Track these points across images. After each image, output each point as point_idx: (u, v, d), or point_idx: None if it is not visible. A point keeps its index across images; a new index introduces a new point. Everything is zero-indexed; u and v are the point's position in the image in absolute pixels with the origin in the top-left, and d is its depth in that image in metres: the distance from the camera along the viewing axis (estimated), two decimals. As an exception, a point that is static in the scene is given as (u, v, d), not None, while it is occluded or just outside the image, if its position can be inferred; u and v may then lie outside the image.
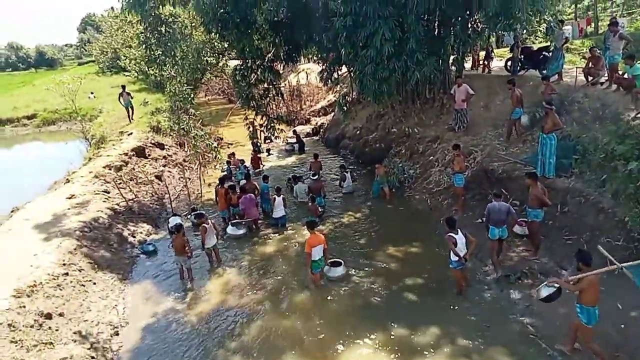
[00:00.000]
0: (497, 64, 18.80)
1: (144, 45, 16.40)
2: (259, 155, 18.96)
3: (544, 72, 14.18)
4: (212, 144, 16.17)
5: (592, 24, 26.77)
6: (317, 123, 24.14)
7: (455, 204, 11.85)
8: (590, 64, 12.32)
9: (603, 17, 29.68)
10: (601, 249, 6.98)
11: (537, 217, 9.10)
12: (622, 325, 7.14)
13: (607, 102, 11.25)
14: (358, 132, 18.78)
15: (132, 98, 21.18)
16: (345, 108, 16.25)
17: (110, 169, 15.20)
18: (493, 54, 17.87)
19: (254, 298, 9.34)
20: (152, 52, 16.32)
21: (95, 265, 10.41)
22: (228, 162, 17.49)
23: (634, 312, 7.34)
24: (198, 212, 11.70)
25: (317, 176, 14.10)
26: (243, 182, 14.16)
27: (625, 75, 11.17)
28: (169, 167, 17.65)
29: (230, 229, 12.47)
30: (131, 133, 19.28)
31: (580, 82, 12.63)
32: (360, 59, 12.88)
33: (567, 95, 12.04)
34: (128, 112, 21.19)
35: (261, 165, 18.33)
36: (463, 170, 11.43)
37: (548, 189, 9.64)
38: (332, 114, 23.08)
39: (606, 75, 12.07)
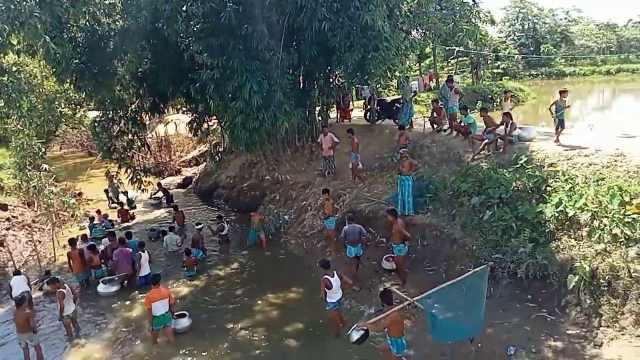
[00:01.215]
0: (357, 114, 20.54)
1: None
2: (126, 208, 17.93)
3: (397, 121, 15.86)
4: (69, 200, 14.63)
5: (434, 80, 30.88)
6: (188, 173, 23.42)
7: (329, 246, 12.25)
8: (434, 114, 14.13)
9: (442, 74, 34.47)
10: (394, 289, 7.81)
11: (401, 252, 9.82)
12: (479, 345, 7.87)
13: (450, 147, 12.91)
14: (231, 181, 18.65)
15: None
16: (217, 158, 16.13)
17: None
18: (352, 104, 19.59)
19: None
20: None
21: None
22: (92, 219, 16.08)
23: (488, 329, 8.15)
24: (52, 277, 10.31)
25: (200, 225, 13.74)
26: (105, 240, 13.09)
27: (462, 123, 12.99)
28: (14, 230, 15.43)
29: (101, 287, 11.34)
30: (-35, 194, 16.63)
31: (427, 129, 14.33)
32: (230, 110, 13.02)
33: (418, 141, 13.55)
34: None
35: (129, 219, 17.26)
36: (333, 213, 11.93)
37: (409, 225, 10.56)
38: (204, 164, 22.65)
39: (447, 123, 13.90)
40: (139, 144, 17.90)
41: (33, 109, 15.05)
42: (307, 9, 11.86)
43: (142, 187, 18.10)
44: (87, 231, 15.13)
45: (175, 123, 27.11)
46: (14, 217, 16.26)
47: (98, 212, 16.86)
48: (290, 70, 14.13)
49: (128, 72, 15.49)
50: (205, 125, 18.50)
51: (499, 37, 38.76)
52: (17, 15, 9.07)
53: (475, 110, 17.10)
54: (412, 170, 11.18)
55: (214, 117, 17.59)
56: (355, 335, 7.01)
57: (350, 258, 10.42)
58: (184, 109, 19.57)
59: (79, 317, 10.05)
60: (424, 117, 15.47)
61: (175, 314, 9.35)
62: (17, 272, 10.92)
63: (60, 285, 9.48)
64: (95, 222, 16.02)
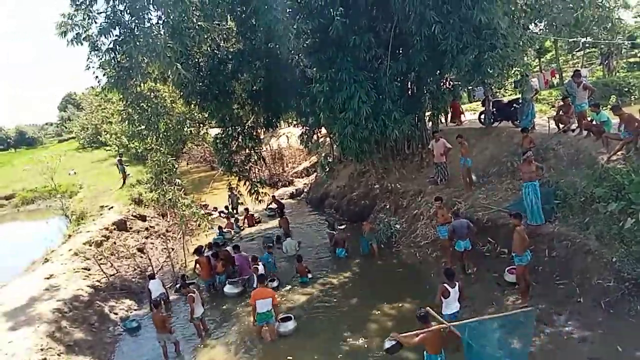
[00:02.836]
0: (470, 117, 19.60)
1: (126, 122, 16.64)
2: (251, 213, 19.62)
3: (516, 123, 14.76)
4: (199, 211, 16.05)
5: (557, 76, 28.32)
6: (300, 184, 24.30)
7: (444, 256, 11.76)
8: (561, 111, 12.87)
9: (566, 69, 31.50)
10: (430, 310, 7.45)
11: (522, 262, 9.05)
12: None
13: (580, 148, 11.66)
14: (341, 190, 18.90)
15: (127, 165, 23.90)
16: (327, 168, 16.45)
17: (90, 245, 14.84)
18: (461, 108, 18.78)
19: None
20: (135, 127, 16.51)
21: (76, 348, 9.88)
22: (220, 228, 17.63)
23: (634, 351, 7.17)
24: (184, 282, 11.31)
25: (343, 226, 14.42)
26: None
27: (594, 122, 11.67)
28: (152, 239, 17.33)
29: (227, 288, 12.42)
30: (112, 207, 19.06)
31: (552, 130, 13.11)
32: (340, 121, 13.21)
33: (542, 143, 12.44)
34: (123, 176, 23.36)
35: (255, 224, 19.20)
36: (447, 222, 11.44)
37: (534, 234, 9.73)
38: (315, 174, 23.31)
39: (576, 122, 12.59)
40: (255, 157, 18.95)
41: (167, 130, 16.74)
42: (415, 15, 11.60)
43: (259, 198, 19.12)
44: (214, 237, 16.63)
45: (287, 136, 28.33)
46: (151, 227, 18.26)
47: (227, 217, 18.66)
48: (399, 78, 13.96)
49: (244, 91, 16.60)
50: (315, 137, 19.05)
51: (635, 22, 34.22)
52: (154, 48, 10.23)
53: (608, 107, 15.32)
54: (537, 175, 10.29)
55: (324, 129, 18.03)
56: (387, 344, 7.32)
57: (459, 252, 10.80)
58: (295, 122, 20.32)
59: (207, 318, 10.88)
60: (548, 118, 14.16)
61: (280, 317, 9.95)
62: (152, 276, 12.19)
63: (190, 290, 10.37)
64: (224, 229, 17.52)
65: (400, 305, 10.43)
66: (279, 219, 17.52)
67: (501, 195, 12.14)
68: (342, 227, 14.38)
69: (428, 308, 7.48)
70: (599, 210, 9.48)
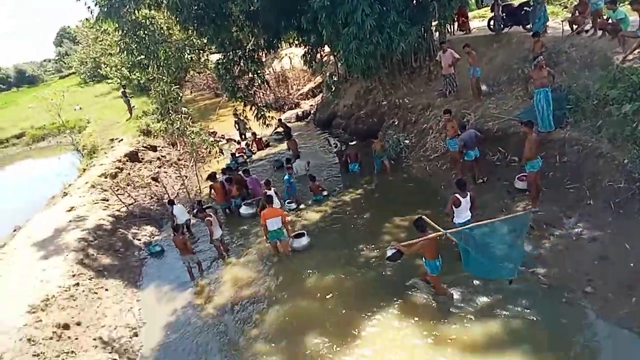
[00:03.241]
0: (479, 24, 18.73)
1: (125, 52, 16.20)
2: (259, 137, 19.82)
3: (528, 27, 14.11)
4: (209, 139, 16.14)
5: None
6: (306, 106, 24.01)
7: (454, 168, 11.85)
8: (577, 12, 12.22)
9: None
10: (425, 218, 7.67)
11: (534, 168, 9.11)
12: (632, 265, 7.21)
13: (594, 49, 11.22)
14: (349, 109, 18.67)
15: (131, 97, 24.11)
16: (333, 88, 16.13)
17: (105, 177, 15.16)
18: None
19: (266, 285, 9.39)
20: (134, 57, 16.07)
21: (105, 272, 10.45)
22: (233, 155, 17.95)
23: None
24: (200, 207, 11.65)
25: (354, 142, 14.51)
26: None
27: (610, 20, 11.11)
28: (164, 168, 17.59)
29: (243, 209, 12.84)
30: (122, 139, 19.18)
31: (566, 32, 12.54)
32: (343, 37, 12.69)
33: (554, 47, 11.98)
34: (129, 108, 23.56)
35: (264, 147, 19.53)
36: (456, 134, 11.37)
37: (545, 141, 9.69)
38: (321, 95, 22.94)
39: (590, 22, 11.99)
40: (259, 81, 18.58)
41: (168, 58, 16.33)
42: None
43: (266, 122, 19.03)
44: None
45: (289, 57, 27.52)
46: (162, 156, 18.47)
47: (238, 142, 19.14)
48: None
49: (242, 12, 15.87)
50: (318, 56, 18.49)
51: None
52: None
53: (626, 3, 14.47)
54: (549, 80, 10.01)
55: (327, 47, 17.43)
56: (389, 253, 7.84)
57: (470, 161, 10.95)
58: (296, 42, 19.62)
59: (226, 239, 11.37)
60: (561, 20, 13.46)
61: (293, 233, 10.44)
62: (171, 202, 12.56)
63: (207, 214, 10.72)
64: (236, 155, 17.83)
65: (412, 217, 10.60)
66: (286, 141, 17.53)
67: (512, 104, 11.94)
68: (353, 143, 14.36)
69: (424, 216, 7.75)
70: (612, 113, 9.32)
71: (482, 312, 7.28)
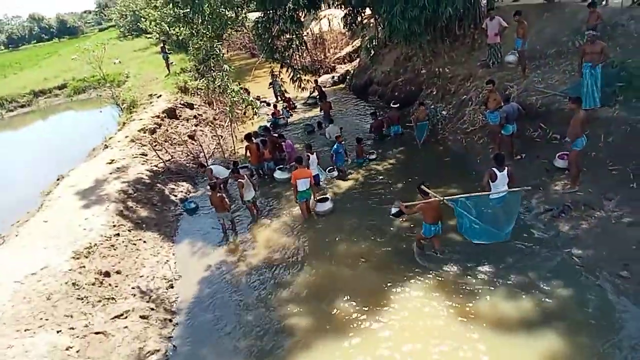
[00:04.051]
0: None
1: (170, 4, 16.14)
2: (288, 96, 20.20)
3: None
4: (249, 98, 16.23)
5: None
6: (342, 70, 23.66)
7: (492, 143, 11.59)
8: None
9: None
10: (425, 184, 8.20)
11: (577, 146, 8.82)
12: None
13: (656, 22, 10.56)
14: (386, 76, 18.29)
15: (170, 53, 24.19)
16: (372, 52, 15.79)
17: (144, 132, 15.52)
18: None
19: (296, 248, 9.61)
20: (180, 10, 15.96)
21: (143, 225, 10.89)
22: (273, 114, 18.26)
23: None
24: (233, 168, 11.86)
25: (397, 105, 14.48)
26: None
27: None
28: (201, 127, 17.86)
29: (278, 174, 12.95)
30: (160, 95, 19.47)
31: (626, 3, 11.76)
32: (387, -1, 12.35)
33: (611, 19, 11.31)
34: (167, 64, 23.85)
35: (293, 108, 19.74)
36: (498, 107, 11.03)
37: (590, 119, 9.31)
38: (358, 60, 22.51)
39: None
40: (297, 42, 18.34)
41: (212, 12, 16.20)
42: None
43: (302, 85, 18.90)
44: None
45: (328, 19, 26.92)
46: (199, 114, 18.72)
47: (274, 105, 19.21)
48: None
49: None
50: (359, 19, 18.04)
51: None
52: None
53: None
54: (603, 56, 9.51)
55: (368, 9, 16.96)
56: (393, 210, 8.70)
57: (507, 136, 10.70)
58: (337, 3, 19.13)
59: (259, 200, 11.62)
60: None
61: (317, 197, 10.73)
62: (201, 165, 12.86)
63: (240, 175, 10.93)
64: (277, 117, 18.09)
65: (445, 190, 10.55)
66: (320, 103, 17.43)
67: (558, 78, 11.44)
68: (396, 105, 14.35)
69: (425, 183, 8.23)
70: (667, 93, 8.88)
71: (514, 289, 7.29)
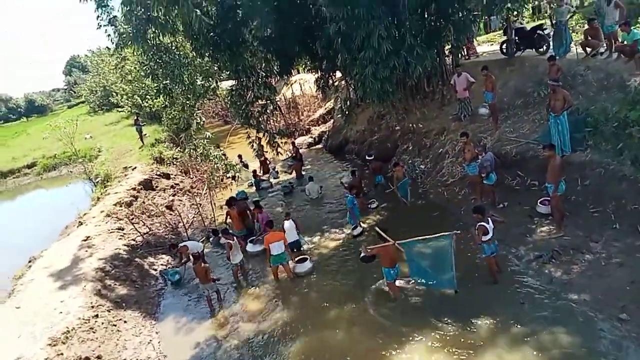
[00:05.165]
0: (488, 48, 18.92)
1: (149, 77, 16.38)
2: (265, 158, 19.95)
3: (541, 50, 14.20)
4: (230, 162, 16.26)
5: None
6: (317, 132, 24.12)
7: (473, 193, 11.73)
8: (589, 36, 12.25)
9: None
10: (377, 229, 8.96)
11: (558, 191, 9.00)
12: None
13: (610, 72, 11.23)
14: (361, 134, 18.70)
15: (143, 125, 24.13)
16: (346, 112, 16.20)
17: (120, 206, 15.13)
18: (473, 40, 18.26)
19: (287, 313, 9.25)
20: (159, 82, 16.13)
21: (123, 304, 10.31)
22: (254, 175, 18.22)
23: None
24: (224, 228, 11.58)
25: (372, 156, 14.73)
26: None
27: (625, 43, 11.15)
28: (178, 196, 17.59)
29: (249, 247, 12.38)
30: (135, 167, 19.25)
31: (580, 55, 12.56)
32: (359, 61, 12.79)
33: (569, 70, 12.00)
34: (140, 136, 23.68)
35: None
36: (475, 158, 11.28)
37: (565, 164, 9.59)
38: (332, 121, 23.04)
39: (605, 45, 12.03)
40: (272, 107, 18.70)
41: (193, 82, 16.49)
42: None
43: (279, 149, 19.07)
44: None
45: (300, 83, 27.80)
46: (176, 184, 18.50)
47: (254, 172, 18.86)
48: (419, 10, 13.36)
49: (256, 38, 16.10)
50: (330, 82, 18.65)
51: None
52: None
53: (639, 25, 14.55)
54: (566, 105, 9.98)
55: (339, 72, 17.57)
56: (362, 254, 9.06)
57: (490, 186, 10.80)
58: (308, 68, 19.82)
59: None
60: (574, 43, 13.51)
61: (296, 258, 10.58)
62: (173, 245, 12.41)
63: (230, 237, 10.77)
64: (257, 178, 18.06)
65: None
66: (292, 163, 17.72)
67: (528, 127, 11.92)
68: (371, 157, 14.67)
69: (378, 228, 8.90)
70: (633, 135, 9.27)
71: (517, 341, 7.08)
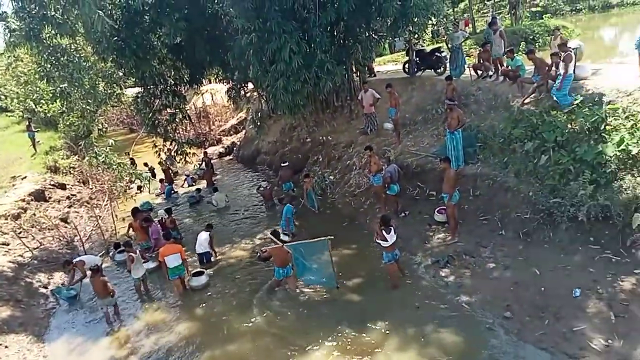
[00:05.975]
0: (392, 67, 20.05)
1: (44, 80, 15.04)
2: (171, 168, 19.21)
3: (438, 71, 15.35)
4: (138, 171, 15.39)
5: (470, 25, 29.44)
6: (228, 142, 23.80)
7: (378, 203, 12.27)
8: (482, 59, 13.51)
9: (477, 18, 32.81)
10: (269, 234, 10.30)
11: (452, 201, 9.74)
12: (542, 289, 7.87)
13: (497, 93, 12.45)
14: (273, 146, 18.79)
15: (36, 131, 21.67)
16: (258, 124, 16.22)
17: (6, 219, 13.64)
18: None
19: (191, 329, 8.92)
20: (56, 85, 14.86)
21: (5, 327, 9.26)
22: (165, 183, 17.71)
23: (550, 273, 8.12)
24: (127, 241, 10.99)
25: (286, 164, 14.99)
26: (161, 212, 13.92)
27: (509, 68, 12.45)
28: (75, 208, 16.27)
29: (118, 257, 12.26)
30: (25, 177, 17.51)
31: (473, 77, 13.77)
32: (271, 74, 12.91)
33: (463, 90, 13.10)
34: (33, 143, 21.17)
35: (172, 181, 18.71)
36: (379, 170, 11.82)
37: (459, 176, 10.42)
38: (244, 131, 22.88)
39: (493, 69, 13.32)
40: (181, 116, 18.16)
41: (95, 87, 15.46)
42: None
43: (187, 159, 18.53)
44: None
45: (211, 93, 27.28)
46: (72, 195, 17.10)
47: (161, 180, 18.28)
48: (329, 28, 13.79)
49: (164, 45, 15.59)
50: (242, 93, 18.57)
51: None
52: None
53: (521, 53, 16.33)
54: (460, 123, 10.88)
55: (251, 83, 17.57)
56: (258, 254, 10.24)
57: (393, 196, 11.46)
58: (219, 78, 19.57)
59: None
60: (467, 66, 14.80)
61: (192, 272, 10.46)
62: (67, 262, 11.41)
63: (132, 250, 10.23)
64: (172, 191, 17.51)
65: (339, 252, 10.67)
66: (203, 171, 17.48)
67: (428, 142, 12.79)
68: (286, 164, 15.09)
69: (273, 230, 10.21)
70: (516, 150, 10.34)
71: (410, 341, 7.48)
